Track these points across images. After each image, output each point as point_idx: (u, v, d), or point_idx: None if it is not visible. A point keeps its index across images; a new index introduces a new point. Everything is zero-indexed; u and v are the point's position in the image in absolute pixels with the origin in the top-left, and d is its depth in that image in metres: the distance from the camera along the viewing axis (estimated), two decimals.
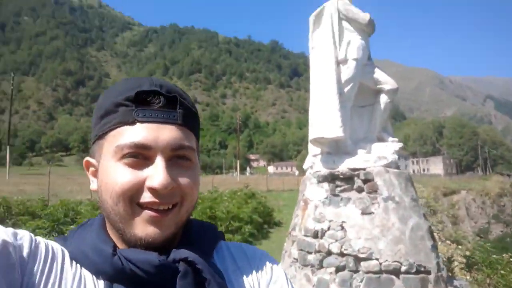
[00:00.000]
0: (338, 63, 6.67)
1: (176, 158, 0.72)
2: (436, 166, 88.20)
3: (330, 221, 5.90)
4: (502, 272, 7.06)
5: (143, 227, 0.69)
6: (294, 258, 6.22)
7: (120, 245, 0.74)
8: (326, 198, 6.10)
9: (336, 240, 5.72)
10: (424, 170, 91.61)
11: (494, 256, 8.12)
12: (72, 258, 0.71)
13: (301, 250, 6.08)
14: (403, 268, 5.41)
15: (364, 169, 6.14)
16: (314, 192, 6.31)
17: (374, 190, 5.93)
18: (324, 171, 6.35)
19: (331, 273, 5.58)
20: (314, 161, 6.69)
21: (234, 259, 0.83)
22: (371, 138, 6.83)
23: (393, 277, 5.40)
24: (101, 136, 0.73)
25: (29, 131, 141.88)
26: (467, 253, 8.78)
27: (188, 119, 0.75)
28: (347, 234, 5.71)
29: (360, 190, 6.06)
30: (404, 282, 5.37)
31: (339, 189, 6.20)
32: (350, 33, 6.78)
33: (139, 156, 0.69)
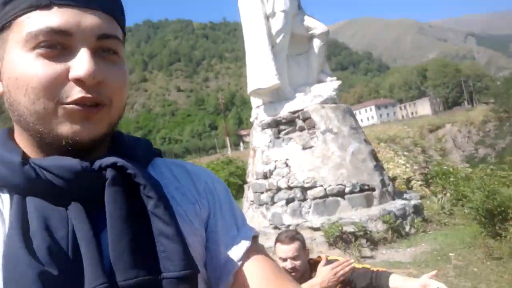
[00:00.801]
0: (267, 17, 6.99)
1: (101, 50, 0.60)
2: (424, 108, 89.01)
3: (275, 161, 6.38)
4: (452, 179, 7.63)
5: (69, 125, 0.58)
6: (251, 201, 6.74)
7: (34, 154, 0.63)
8: (270, 142, 6.56)
9: (283, 177, 6.21)
10: (412, 113, 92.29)
11: (446, 167, 8.69)
12: None
13: (256, 192, 6.59)
14: (347, 189, 5.93)
15: (302, 109, 6.58)
16: (260, 139, 6.76)
17: (312, 126, 6.39)
18: (267, 119, 6.79)
19: (282, 206, 6.10)
20: (258, 112, 7.12)
21: (176, 177, 0.72)
22: (311, 82, 7.24)
23: (338, 198, 5.92)
24: (5, 26, 0.60)
25: None
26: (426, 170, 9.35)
27: (114, 6, 0.64)
28: (292, 170, 6.21)
29: (301, 129, 6.53)
30: (349, 201, 5.90)
31: (283, 132, 6.65)
32: None
33: (57, 45, 0.57)
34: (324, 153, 6.17)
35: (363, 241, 5.28)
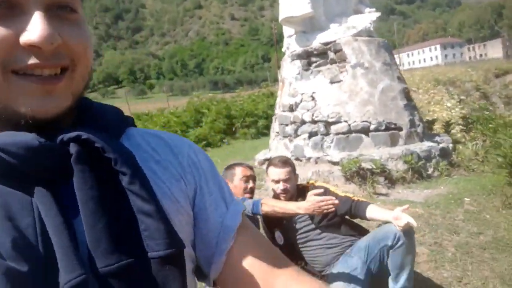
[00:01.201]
0: None
1: (55, 8, 0.52)
2: (494, 50, 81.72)
3: (302, 94, 6.27)
4: (490, 125, 7.19)
5: (26, 100, 0.51)
6: (277, 132, 6.78)
7: None
8: (298, 74, 6.41)
9: (308, 110, 6.13)
10: (481, 55, 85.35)
11: (487, 112, 8.14)
12: None
13: (281, 124, 6.59)
14: (372, 127, 5.78)
15: (334, 41, 6.28)
16: (288, 70, 6.62)
17: (342, 59, 6.14)
18: (299, 49, 6.57)
19: (304, 139, 6.09)
20: (289, 42, 6.89)
21: (155, 150, 0.65)
22: (348, 12, 6.82)
23: (362, 135, 5.81)
24: None
25: None
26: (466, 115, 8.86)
27: None
28: (317, 103, 6.10)
29: (333, 62, 6.29)
30: (372, 138, 5.77)
31: (314, 65, 6.45)
32: None
33: (2, 4, 0.49)
34: (352, 88, 5.96)
35: (381, 178, 5.23)
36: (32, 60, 0.49)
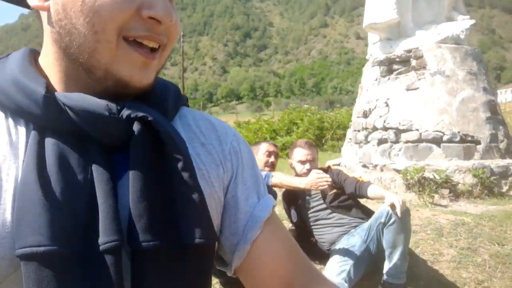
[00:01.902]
0: None
1: None
2: None
3: (377, 100, 6.22)
4: None
5: (129, 68, 0.54)
6: (349, 138, 6.79)
7: (59, 85, 0.57)
8: (376, 80, 6.38)
9: (380, 116, 6.06)
10: None
11: None
12: None
13: (354, 130, 6.60)
14: (444, 137, 5.50)
15: (417, 48, 6.13)
16: (367, 77, 6.62)
17: (422, 66, 5.95)
18: (381, 56, 6.54)
19: (373, 145, 6.02)
20: (373, 49, 6.87)
21: (202, 132, 0.67)
22: (440, 20, 6.58)
23: (433, 145, 5.54)
24: None
25: (207, 84, 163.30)
26: None
27: None
28: (390, 110, 5.99)
29: (413, 69, 6.13)
30: (444, 149, 5.48)
31: (396, 72, 6.35)
32: None
33: None
34: (429, 96, 5.72)
35: (445, 191, 4.95)
36: (147, 32, 0.54)
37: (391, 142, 5.85)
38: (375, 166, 5.81)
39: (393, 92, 6.07)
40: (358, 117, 6.57)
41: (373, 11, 6.46)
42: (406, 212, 2.54)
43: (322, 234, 3.00)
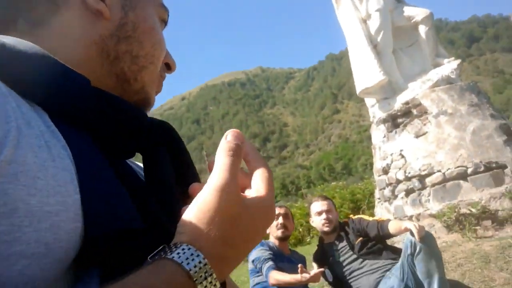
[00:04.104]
0: (364, 21, 7.17)
1: None
2: None
3: (391, 154, 6.32)
4: None
5: (153, 91, 0.66)
6: (378, 198, 6.73)
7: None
8: (384, 136, 6.55)
9: (399, 168, 6.10)
10: None
11: None
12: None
13: (380, 189, 6.58)
14: (469, 171, 5.45)
15: (413, 97, 6.40)
16: (376, 136, 6.81)
17: (423, 112, 6.14)
18: (382, 115, 6.80)
19: (402, 197, 5.96)
20: (374, 111, 7.17)
21: None
22: (428, 68, 6.95)
23: (460, 181, 5.47)
24: None
25: None
26: None
27: None
28: (407, 160, 6.05)
29: (416, 117, 6.32)
30: (472, 182, 5.39)
31: (401, 125, 6.54)
32: None
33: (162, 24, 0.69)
34: (439, 137, 5.81)
35: (487, 222, 4.77)
36: (163, 72, 0.70)
37: (417, 190, 5.80)
38: (410, 217, 5.68)
39: (405, 143, 6.18)
40: (379, 175, 6.60)
41: (362, 77, 6.91)
42: (429, 237, 2.54)
43: (360, 285, 2.94)
